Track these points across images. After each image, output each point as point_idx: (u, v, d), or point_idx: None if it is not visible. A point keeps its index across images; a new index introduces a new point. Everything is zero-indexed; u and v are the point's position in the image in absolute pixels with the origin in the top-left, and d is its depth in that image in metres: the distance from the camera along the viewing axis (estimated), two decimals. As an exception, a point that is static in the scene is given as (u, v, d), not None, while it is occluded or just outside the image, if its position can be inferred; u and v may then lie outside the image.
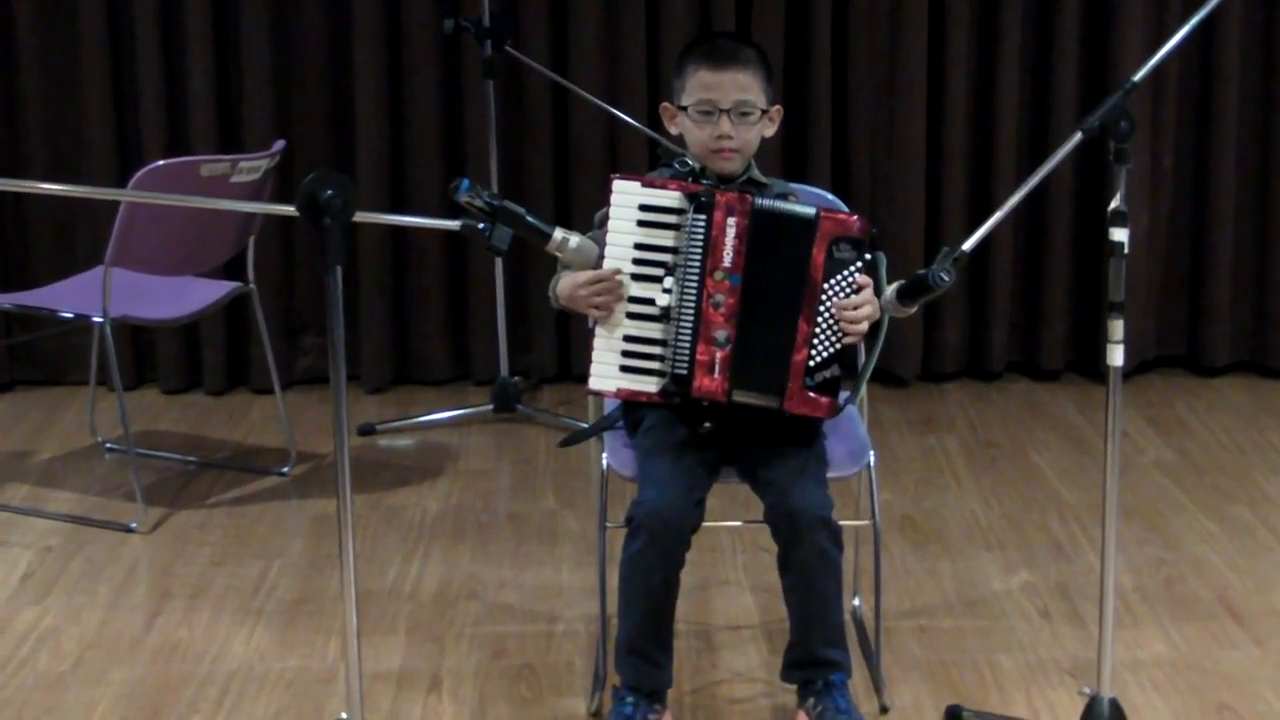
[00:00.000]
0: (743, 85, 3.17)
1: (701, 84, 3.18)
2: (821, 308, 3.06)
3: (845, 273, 3.06)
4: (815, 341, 3.06)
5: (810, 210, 3.08)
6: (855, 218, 3.09)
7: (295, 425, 4.81)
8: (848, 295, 3.07)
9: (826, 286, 3.06)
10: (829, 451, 3.23)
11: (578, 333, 5.17)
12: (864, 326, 3.08)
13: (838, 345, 3.08)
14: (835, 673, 3.17)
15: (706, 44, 3.26)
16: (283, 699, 3.40)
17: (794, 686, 3.24)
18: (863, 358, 3.19)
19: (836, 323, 3.06)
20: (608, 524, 3.29)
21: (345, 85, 5.24)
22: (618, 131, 5.17)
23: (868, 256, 3.06)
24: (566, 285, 3.14)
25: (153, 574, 4.01)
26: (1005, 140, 5.30)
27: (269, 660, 3.55)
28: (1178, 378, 5.47)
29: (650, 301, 3.08)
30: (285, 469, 4.64)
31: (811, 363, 3.07)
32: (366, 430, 4.97)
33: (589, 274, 3.07)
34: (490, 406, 5.06)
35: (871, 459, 3.31)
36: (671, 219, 3.08)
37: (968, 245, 2.86)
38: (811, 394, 3.07)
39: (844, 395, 3.11)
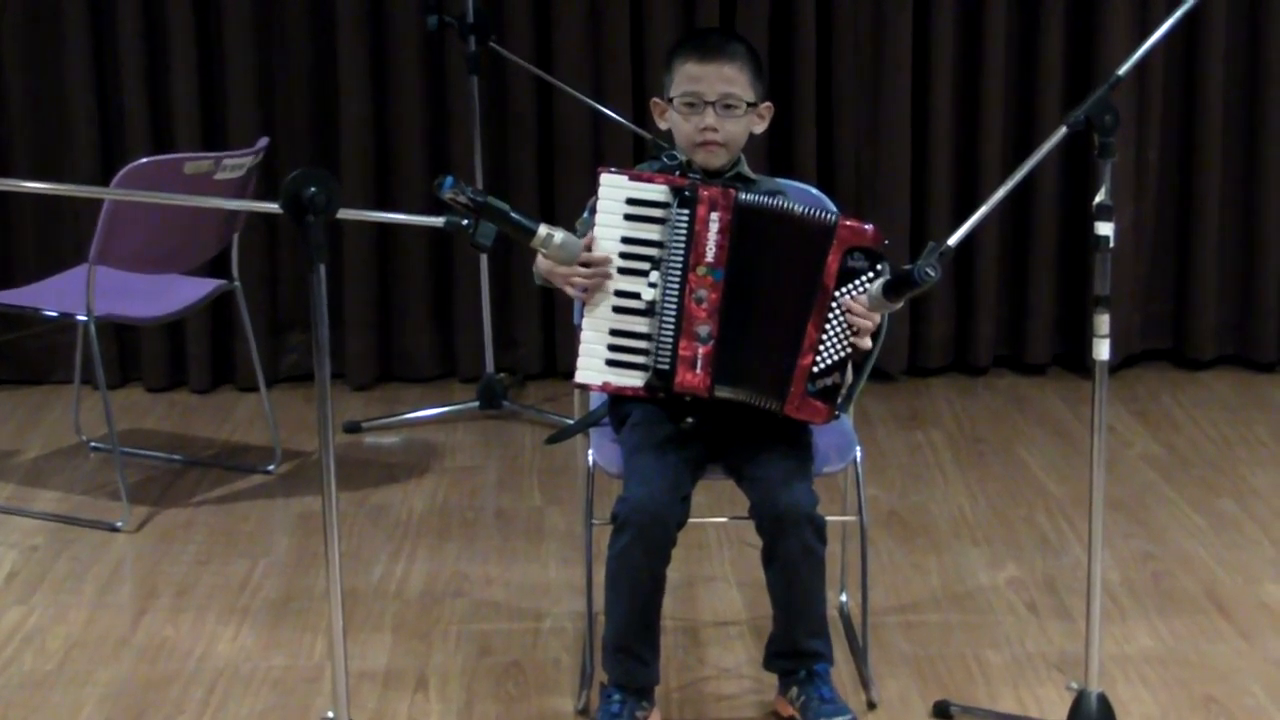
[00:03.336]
0: (728, 78, 3.18)
1: (688, 76, 3.19)
2: (831, 315, 3.06)
3: (857, 281, 3.05)
4: (822, 347, 3.05)
5: (831, 216, 3.07)
6: (870, 227, 3.07)
7: (280, 423, 4.79)
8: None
9: (838, 294, 3.05)
10: (815, 447, 3.22)
11: (563, 329, 5.16)
12: (868, 339, 3.08)
13: (844, 353, 3.07)
14: (819, 663, 3.18)
15: (696, 38, 3.29)
16: (269, 698, 3.39)
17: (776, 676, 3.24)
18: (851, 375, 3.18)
19: (844, 330, 3.05)
20: (594, 521, 3.29)
21: (329, 82, 5.22)
22: (602, 127, 5.16)
23: (879, 268, 3.06)
24: (545, 261, 3.12)
25: (138, 573, 3.99)
26: (990, 134, 5.30)
27: (255, 659, 3.54)
28: (1164, 371, 5.47)
29: (636, 295, 3.08)
30: (271, 467, 4.63)
31: (816, 368, 3.06)
32: (352, 428, 4.96)
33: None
34: (476, 403, 5.05)
35: (858, 454, 3.31)
36: (657, 213, 3.08)
37: (953, 240, 2.86)
38: (813, 399, 3.06)
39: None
